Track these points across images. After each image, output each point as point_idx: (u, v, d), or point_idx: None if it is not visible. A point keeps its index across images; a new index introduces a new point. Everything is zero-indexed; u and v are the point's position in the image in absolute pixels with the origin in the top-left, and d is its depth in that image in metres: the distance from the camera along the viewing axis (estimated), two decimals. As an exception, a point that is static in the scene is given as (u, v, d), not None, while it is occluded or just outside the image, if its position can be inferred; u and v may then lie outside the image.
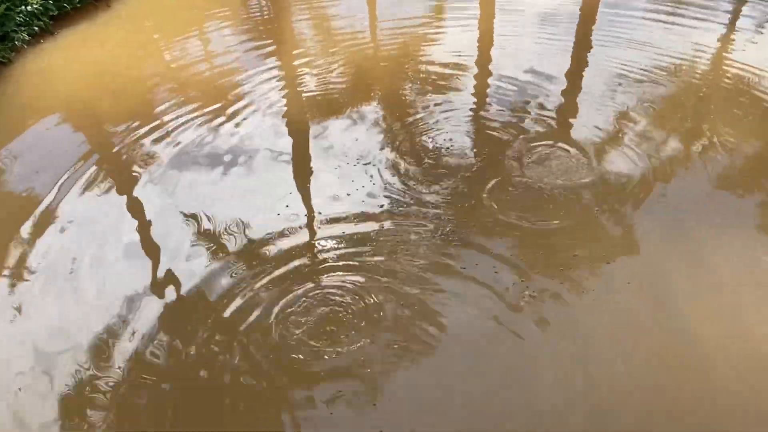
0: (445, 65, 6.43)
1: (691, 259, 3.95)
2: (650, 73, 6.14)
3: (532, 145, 5.04)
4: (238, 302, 3.73)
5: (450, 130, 5.27)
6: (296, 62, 6.63)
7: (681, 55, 6.53)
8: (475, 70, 6.33)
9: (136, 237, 4.31)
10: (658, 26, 7.24)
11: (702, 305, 3.66)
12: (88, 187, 4.78)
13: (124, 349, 3.49)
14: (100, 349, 3.49)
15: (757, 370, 3.30)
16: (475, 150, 5.04)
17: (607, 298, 3.70)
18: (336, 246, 4.12)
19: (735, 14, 7.66)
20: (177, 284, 3.91)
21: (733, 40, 7.03)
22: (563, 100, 5.76)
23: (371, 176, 4.73)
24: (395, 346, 3.45)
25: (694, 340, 3.44)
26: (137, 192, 4.74)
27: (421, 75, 6.28)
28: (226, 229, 4.30)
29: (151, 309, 3.73)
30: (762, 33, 7.18)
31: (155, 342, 3.52)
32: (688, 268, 3.89)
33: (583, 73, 6.27)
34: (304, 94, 6.03)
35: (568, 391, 3.22)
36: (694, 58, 6.51)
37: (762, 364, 3.33)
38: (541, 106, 5.62)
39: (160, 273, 3.99)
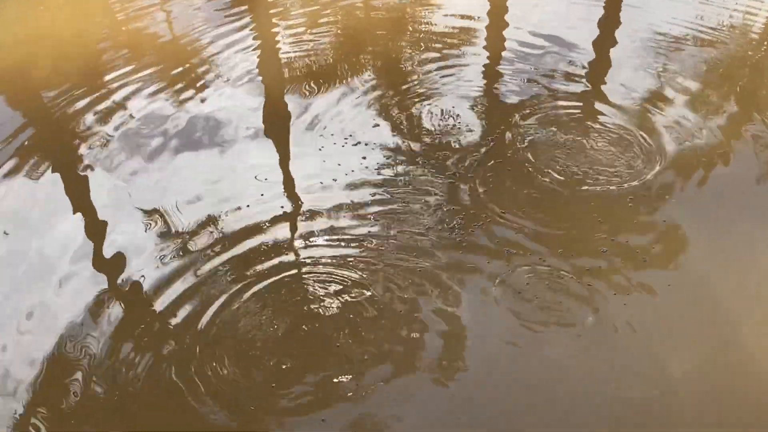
0: (452, 27, 5.46)
1: (734, 256, 3.21)
2: (692, 36, 5.22)
3: (552, 126, 4.12)
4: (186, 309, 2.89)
5: (456, 104, 4.35)
6: (274, 23, 5.64)
7: (729, 15, 5.58)
8: (488, 25, 5.40)
9: (75, 232, 3.41)
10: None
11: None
12: (15, 169, 3.82)
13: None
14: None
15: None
16: (486, 128, 4.13)
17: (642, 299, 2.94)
18: (318, 248, 3.24)
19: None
20: (124, 291, 3.07)
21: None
22: (589, 69, 4.84)
23: (363, 158, 3.82)
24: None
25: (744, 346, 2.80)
26: (78, 175, 3.87)
27: (423, 38, 5.33)
28: (186, 222, 3.45)
29: (91, 324, 2.89)
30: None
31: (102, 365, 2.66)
32: (731, 266, 3.15)
33: (615, 37, 5.33)
34: (282, 61, 5.07)
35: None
36: (746, 20, 5.57)
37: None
38: (566, 76, 4.71)
39: (102, 279, 3.14)
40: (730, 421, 2.55)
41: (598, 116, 4.23)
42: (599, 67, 4.90)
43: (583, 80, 4.69)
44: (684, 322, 2.90)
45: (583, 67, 4.83)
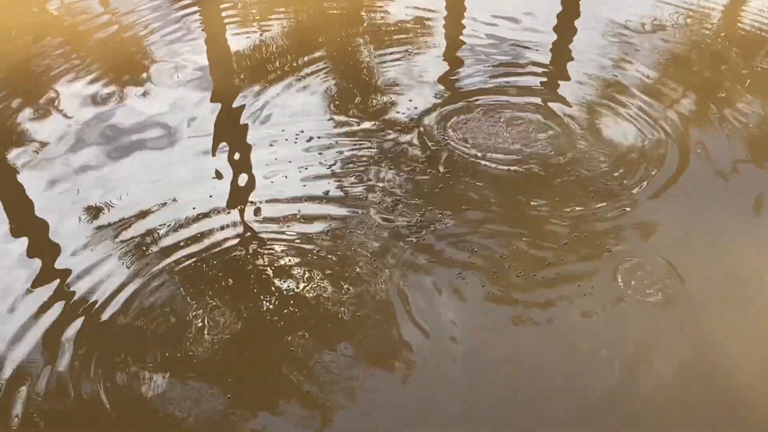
0: (408, 18, 5.30)
1: (709, 250, 3.10)
2: (651, 25, 5.19)
3: (515, 113, 3.99)
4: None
5: (413, 96, 4.18)
6: (223, 15, 5.37)
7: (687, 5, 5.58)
8: (446, 15, 5.28)
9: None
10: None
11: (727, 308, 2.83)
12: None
13: None
14: None
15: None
16: (445, 119, 3.97)
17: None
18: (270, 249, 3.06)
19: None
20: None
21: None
22: (551, 56, 4.74)
23: (319, 154, 3.63)
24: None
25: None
26: (13, 177, 3.60)
27: (378, 30, 5.16)
28: (125, 221, 3.23)
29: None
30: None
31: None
32: (706, 261, 3.04)
33: (575, 24, 5.25)
34: (231, 55, 4.83)
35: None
36: (703, 9, 5.57)
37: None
38: (526, 65, 4.58)
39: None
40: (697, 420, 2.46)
41: (553, 107, 4.12)
42: (558, 58, 4.81)
43: (542, 69, 4.59)
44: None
45: (542, 56, 4.74)
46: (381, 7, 5.54)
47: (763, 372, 2.60)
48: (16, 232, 3.23)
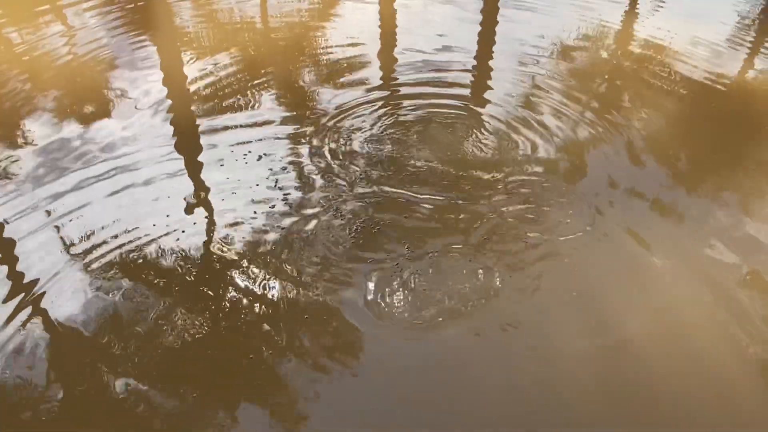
0: (346, 50, 5.86)
1: (614, 256, 3.58)
2: (560, 45, 5.89)
3: (440, 131, 4.56)
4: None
5: (351, 120, 4.72)
6: (183, 55, 5.82)
7: (588, 26, 6.32)
8: (377, 51, 5.84)
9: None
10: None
11: (635, 312, 3.25)
12: None
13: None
14: None
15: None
16: (382, 135, 4.51)
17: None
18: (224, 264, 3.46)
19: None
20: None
21: (637, 13, 6.95)
22: (472, 79, 5.36)
23: (267, 175, 4.09)
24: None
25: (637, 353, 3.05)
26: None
27: (321, 60, 5.69)
28: (85, 245, 3.54)
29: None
30: (660, 9, 7.18)
31: None
32: (612, 265, 3.51)
33: (492, 51, 5.91)
34: (188, 88, 5.25)
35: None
36: (602, 32, 6.33)
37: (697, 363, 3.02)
38: (451, 85, 5.20)
39: None
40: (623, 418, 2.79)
41: (478, 123, 4.68)
42: (480, 78, 5.43)
43: (464, 90, 5.17)
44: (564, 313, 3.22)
45: (467, 76, 5.35)
46: (320, 41, 6.10)
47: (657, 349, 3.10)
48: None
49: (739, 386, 2.91)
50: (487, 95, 5.12)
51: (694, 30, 6.39)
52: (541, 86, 5.19)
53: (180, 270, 3.40)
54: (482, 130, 4.57)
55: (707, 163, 4.45)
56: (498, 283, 3.31)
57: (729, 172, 4.30)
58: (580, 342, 3.05)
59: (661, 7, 7.22)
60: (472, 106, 4.90)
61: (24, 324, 3.07)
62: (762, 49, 6.21)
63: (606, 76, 5.51)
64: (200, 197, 3.93)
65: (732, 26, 6.71)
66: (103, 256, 3.46)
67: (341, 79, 5.27)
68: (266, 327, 3.09)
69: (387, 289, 3.26)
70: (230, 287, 3.30)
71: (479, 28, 6.41)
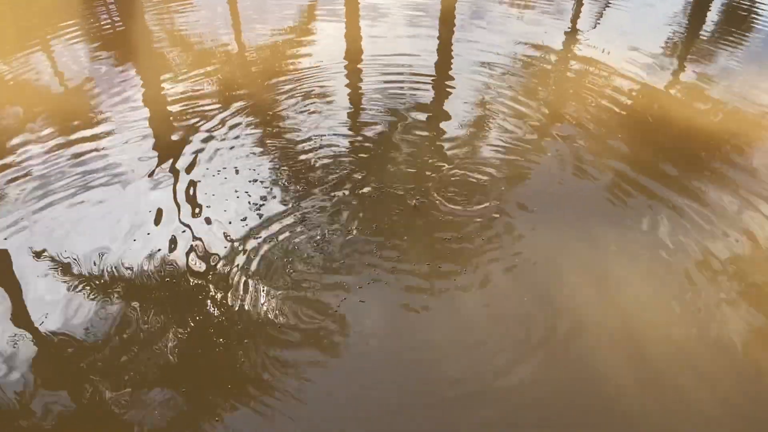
0: (316, 71, 6.31)
1: (554, 259, 3.85)
2: (511, 61, 6.50)
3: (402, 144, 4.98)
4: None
5: (322, 141, 5.06)
6: (162, 79, 6.14)
7: (535, 41, 6.94)
8: (344, 74, 6.28)
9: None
10: (513, 22, 7.72)
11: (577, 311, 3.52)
12: None
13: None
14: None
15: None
16: (353, 158, 4.87)
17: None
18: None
19: (576, 13, 8.38)
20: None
21: (578, 32, 7.65)
22: (432, 99, 5.84)
23: (245, 194, 4.35)
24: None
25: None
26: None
27: (292, 82, 6.07)
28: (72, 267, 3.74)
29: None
30: (597, 27, 7.91)
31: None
32: (551, 269, 3.77)
33: (450, 68, 6.48)
34: (168, 112, 5.53)
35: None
36: (547, 43, 6.99)
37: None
38: (411, 106, 5.63)
39: None
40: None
41: (435, 138, 5.06)
42: (438, 96, 5.85)
43: (426, 109, 5.57)
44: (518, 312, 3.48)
45: (427, 95, 5.81)
46: (292, 63, 6.53)
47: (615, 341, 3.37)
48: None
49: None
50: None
51: (627, 45, 7.09)
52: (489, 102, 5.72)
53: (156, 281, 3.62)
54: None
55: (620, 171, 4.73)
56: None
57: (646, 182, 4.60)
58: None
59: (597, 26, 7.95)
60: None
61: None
62: (685, 63, 6.94)
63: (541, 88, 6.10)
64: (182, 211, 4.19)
65: (661, 43, 7.45)
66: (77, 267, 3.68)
67: (313, 103, 5.61)
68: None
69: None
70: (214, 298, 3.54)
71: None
